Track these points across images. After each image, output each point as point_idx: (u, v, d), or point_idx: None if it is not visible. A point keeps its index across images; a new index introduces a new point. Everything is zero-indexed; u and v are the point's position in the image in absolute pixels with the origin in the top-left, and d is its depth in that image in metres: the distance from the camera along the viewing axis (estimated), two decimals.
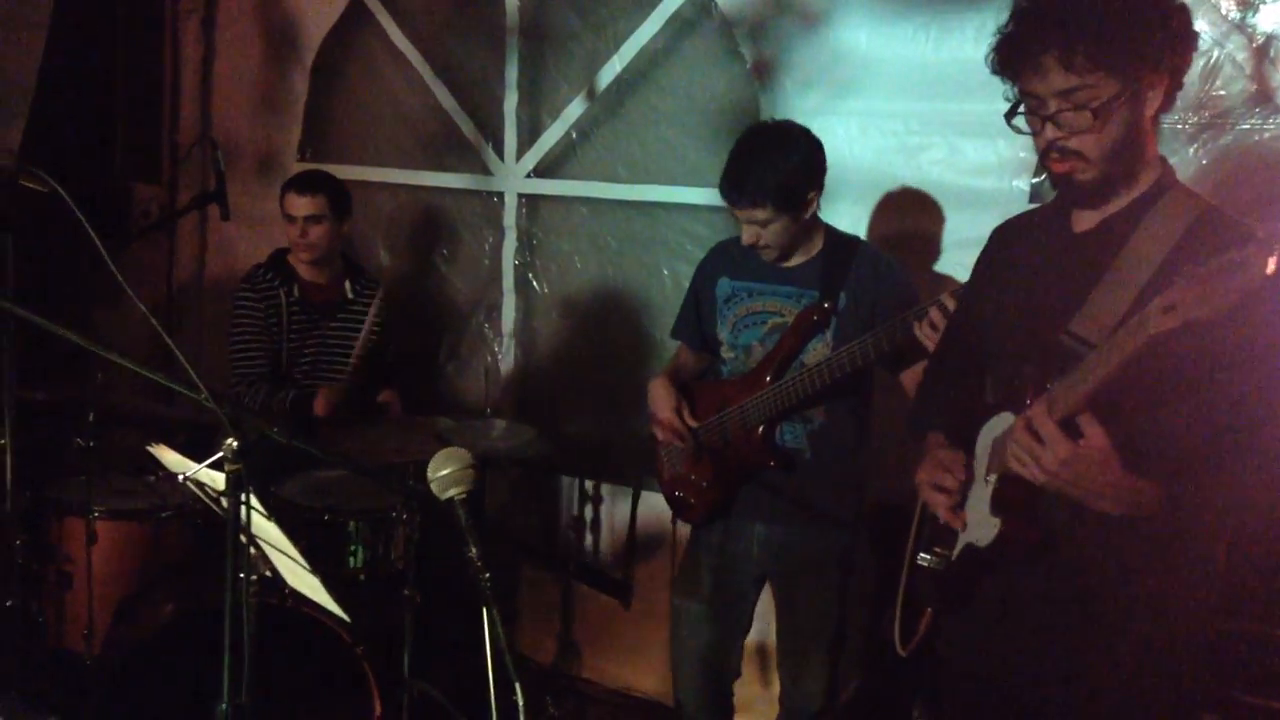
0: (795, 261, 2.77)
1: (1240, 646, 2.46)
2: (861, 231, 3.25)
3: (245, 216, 4.20)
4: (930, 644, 2.04)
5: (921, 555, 2.03)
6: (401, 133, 4.26)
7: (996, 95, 1.89)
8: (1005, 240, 2.11)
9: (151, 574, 3.14)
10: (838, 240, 2.79)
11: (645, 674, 3.85)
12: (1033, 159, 3.04)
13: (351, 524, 3.13)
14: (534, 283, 4.06)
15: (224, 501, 1.78)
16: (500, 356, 4.13)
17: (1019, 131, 1.86)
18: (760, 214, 2.63)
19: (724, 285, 2.87)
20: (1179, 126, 2.80)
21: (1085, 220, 1.89)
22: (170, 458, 2.12)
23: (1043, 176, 3.02)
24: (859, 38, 3.26)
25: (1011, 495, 1.82)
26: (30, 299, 2.08)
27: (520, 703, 1.64)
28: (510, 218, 4.03)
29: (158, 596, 3.07)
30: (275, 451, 3.13)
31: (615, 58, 3.71)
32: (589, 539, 3.99)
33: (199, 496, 2.15)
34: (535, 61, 3.92)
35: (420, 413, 3.77)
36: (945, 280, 3.13)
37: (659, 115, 3.73)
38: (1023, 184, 3.08)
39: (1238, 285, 1.42)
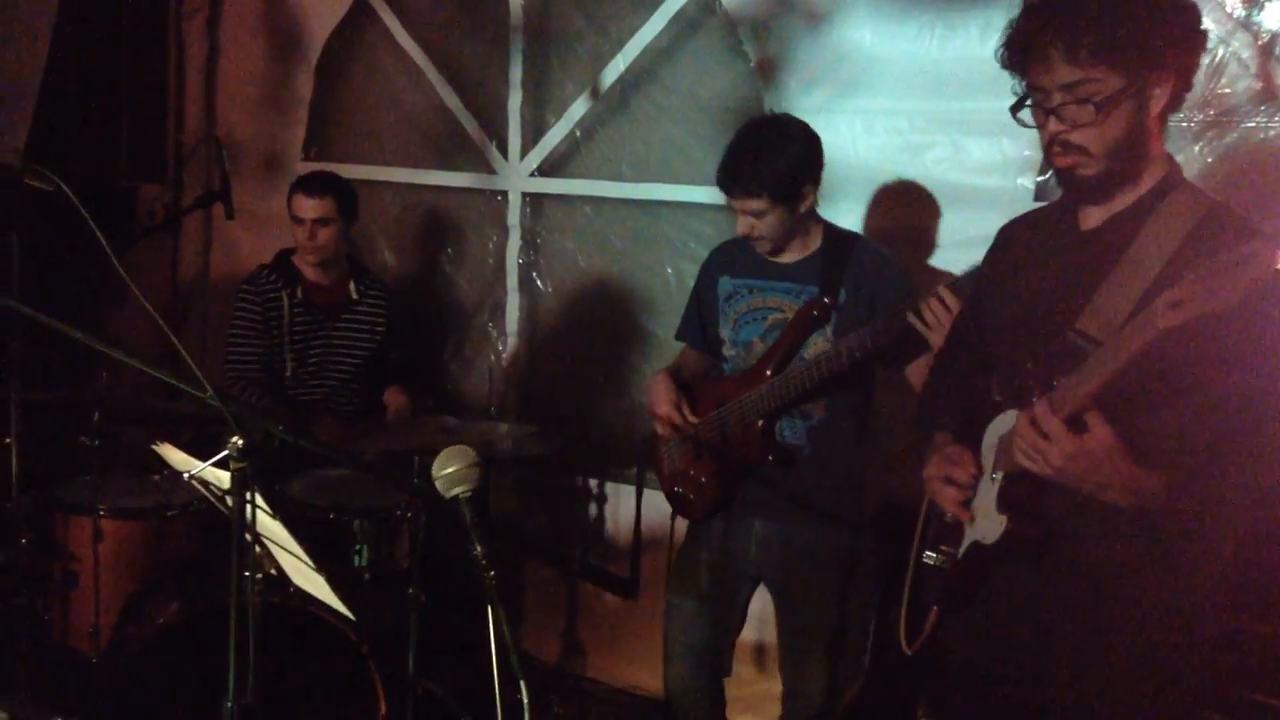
0: (795, 258, 2.78)
1: (1247, 646, 2.46)
2: (866, 230, 3.25)
3: (250, 216, 4.21)
4: (935, 643, 2.04)
5: (927, 554, 2.03)
6: (405, 132, 4.26)
7: (1001, 93, 1.89)
8: (1012, 238, 2.11)
9: (157, 573, 3.14)
10: (837, 236, 2.79)
11: (650, 673, 3.84)
12: (1037, 157, 3.03)
13: (356, 522, 3.14)
14: (538, 281, 4.06)
15: (229, 500, 1.78)
16: (504, 355, 4.13)
17: (1024, 125, 1.86)
18: (755, 204, 2.64)
19: (725, 284, 2.88)
20: (1184, 124, 2.79)
21: (1092, 217, 1.89)
22: (175, 456, 2.13)
23: (1048, 175, 3.02)
24: (863, 36, 3.26)
25: (1018, 493, 1.82)
26: (36, 298, 2.08)
27: (525, 701, 1.64)
28: (514, 216, 4.03)
29: (163, 595, 3.07)
30: (280, 450, 3.15)
31: (619, 56, 3.71)
32: (593, 537, 3.99)
33: (204, 495, 2.15)
34: (539, 60, 3.92)
35: (425, 411, 3.77)
36: (944, 278, 3.12)
37: (663, 114, 3.73)
38: (1027, 182, 3.07)
39: (1245, 280, 1.42)
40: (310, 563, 2.09)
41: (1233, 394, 1.68)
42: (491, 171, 4.05)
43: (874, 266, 2.74)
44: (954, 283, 2.44)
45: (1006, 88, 1.89)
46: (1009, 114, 1.88)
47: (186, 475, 1.98)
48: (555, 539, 4.06)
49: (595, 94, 3.78)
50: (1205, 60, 1.91)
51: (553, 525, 4.07)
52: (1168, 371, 1.66)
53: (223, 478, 1.84)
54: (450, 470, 1.75)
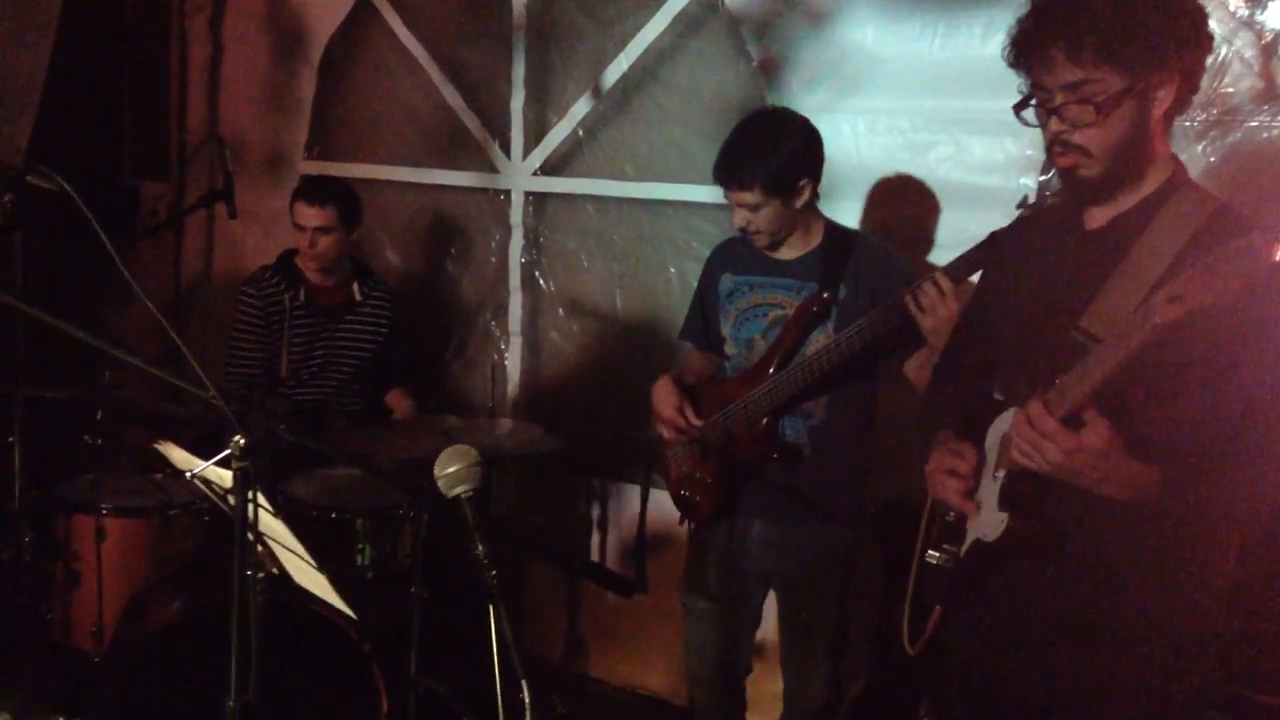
0: (796, 254, 2.77)
1: (1250, 645, 2.45)
2: (867, 229, 3.25)
3: (252, 215, 4.21)
4: (938, 643, 2.04)
5: (930, 553, 2.03)
6: (408, 131, 4.26)
7: (1003, 93, 1.89)
8: (1017, 236, 2.11)
9: (159, 571, 3.14)
10: (837, 233, 2.79)
11: (653, 672, 3.86)
12: (1040, 157, 3.03)
13: (359, 522, 3.14)
14: (540, 281, 4.06)
15: (231, 499, 1.78)
16: (507, 355, 4.13)
17: (1027, 124, 1.86)
18: (749, 197, 2.65)
19: (726, 281, 2.88)
20: (1187, 124, 2.79)
21: (1097, 217, 1.89)
22: (178, 455, 2.13)
23: (1050, 175, 3.02)
24: (866, 35, 3.26)
25: (1019, 490, 1.82)
26: (38, 297, 2.08)
27: (527, 700, 1.64)
28: (517, 216, 4.03)
29: (165, 594, 3.08)
30: (283, 449, 3.15)
31: (622, 56, 3.70)
32: (596, 537, 3.99)
33: (206, 494, 2.15)
34: (542, 60, 3.92)
35: (427, 411, 3.78)
36: None
37: (665, 113, 3.73)
38: (1030, 182, 3.07)
39: (1243, 271, 1.43)
40: (312, 562, 2.09)
41: (1233, 389, 1.68)
42: (494, 170, 4.05)
43: (875, 262, 2.74)
44: (948, 267, 2.45)
45: (1009, 87, 1.89)
46: (1011, 114, 1.88)
47: (189, 474, 1.98)
48: (557, 538, 4.06)
49: (598, 93, 3.78)
50: (1208, 60, 1.91)
51: (555, 524, 4.08)
52: (1167, 367, 1.66)
53: (225, 476, 1.84)
54: (452, 470, 1.75)
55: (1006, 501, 1.83)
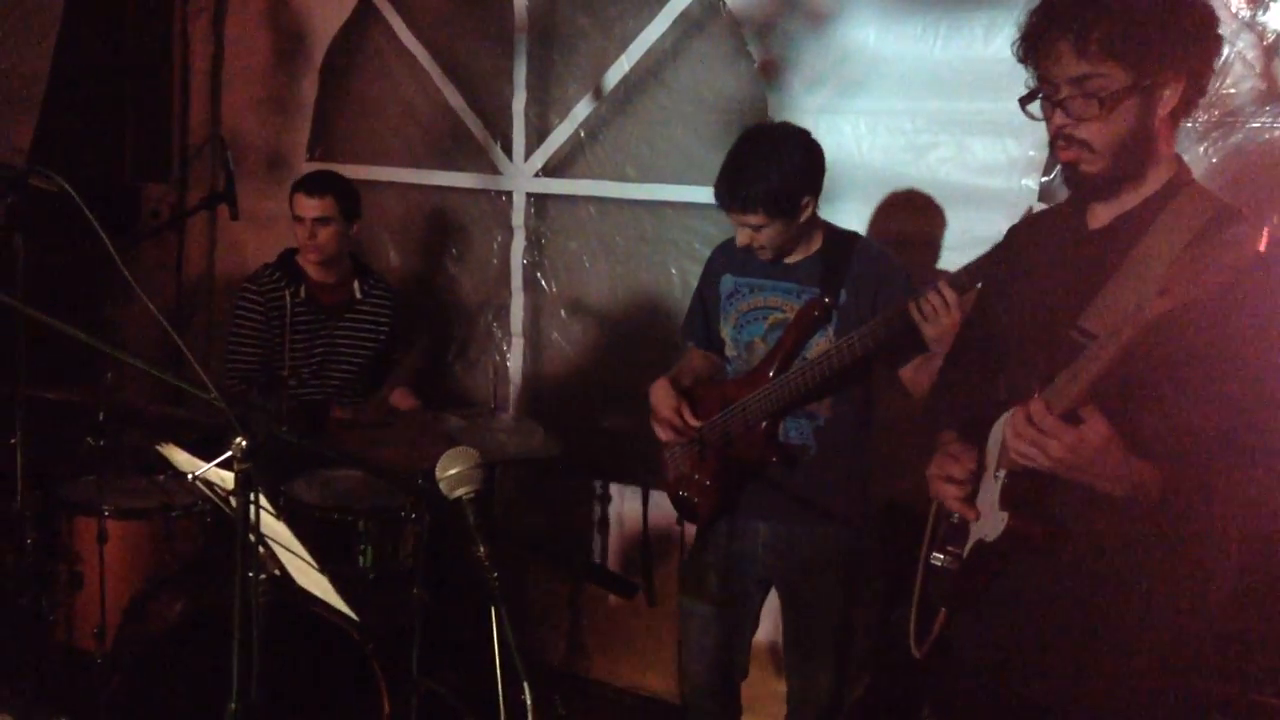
0: (796, 258, 2.77)
1: (1252, 646, 2.45)
2: (870, 231, 3.25)
3: (254, 216, 4.21)
4: (943, 644, 2.04)
5: (934, 555, 2.03)
6: (410, 132, 4.27)
7: (1005, 93, 1.90)
8: (1021, 238, 2.12)
9: (162, 573, 3.15)
10: (837, 236, 2.79)
11: (654, 673, 3.85)
12: (1042, 157, 3.03)
13: (361, 523, 3.14)
14: (542, 282, 4.06)
15: (233, 501, 1.78)
16: (508, 356, 4.13)
17: (1033, 117, 1.86)
18: (753, 219, 2.64)
19: (727, 282, 2.88)
20: (1188, 125, 2.78)
21: (1100, 216, 1.89)
22: (179, 457, 2.13)
23: (1052, 175, 3.02)
24: (867, 36, 3.26)
25: (1019, 490, 1.83)
26: (40, 298, 2.09)
27: (529, 702, 1.64)
28: (519, 217, 4.03)
29: (168, 595, 3.08)
30: (285, 451, 3.15)
31: (623, 57, 3.71)
32: (597, 538, 3.99)
33: (208, 496, 2.15)
34: (544, 61, 3.92)
35: (429, 411, 3.77)
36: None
37: (667, 114, 3.73)
38: (1031, 183, 3.07)
39: (1229, 262, 1.43)
40: (314, 563, 2.09)
41: (1229, 383, 1.68)
42: (496, 172, 4.06)
43: (874, 265, 2.74)
44: (953, 277, 2.44)
45: (1010, 88, 1.89)
46: (1013, 115, 1.88)
47: (191, 476, 1.98)
48: (559, 539, 4.06)
49: (599, 94, 3.78)
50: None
51: (556, 526, 4.07)
52: (1162, 362, 1.66)
53: (227, 478, 1.84)
54: (453, 471, 1.75)
55: (1007, 501, 1.84)
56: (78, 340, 1.79)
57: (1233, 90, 2.78)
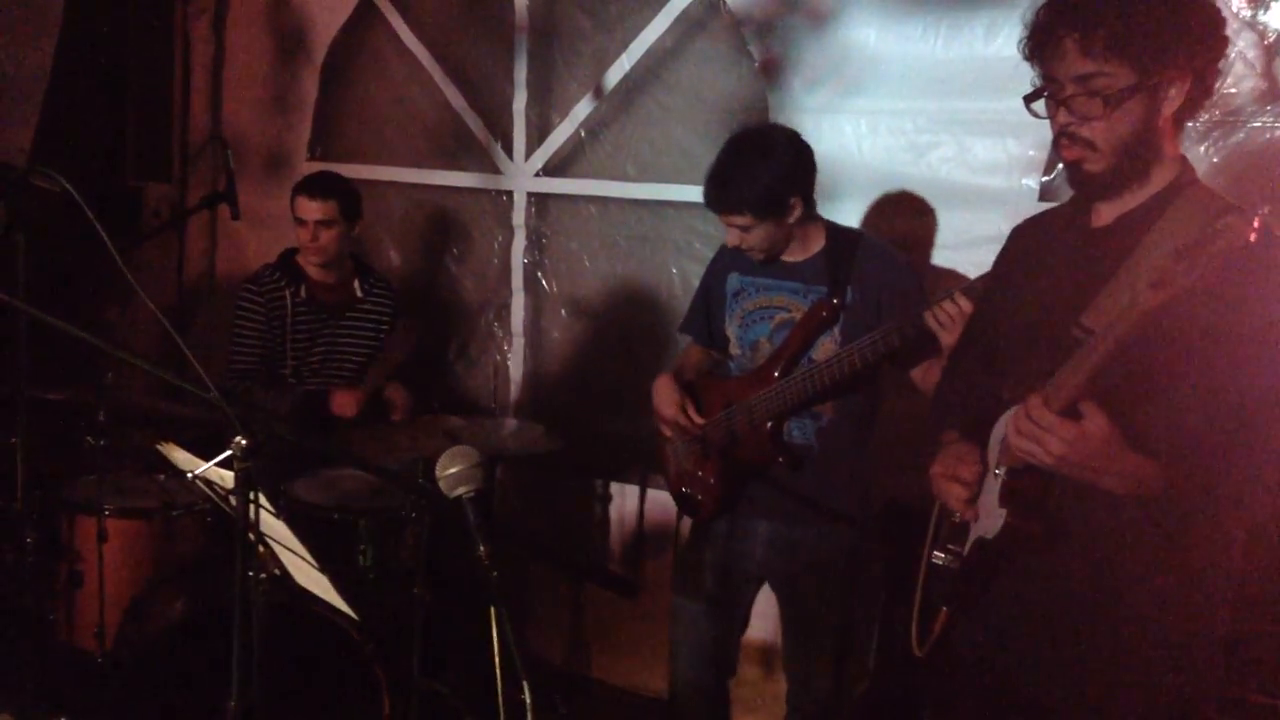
0: (800, 257, 2.77)
1: (1254, 647, 2.45)
2: (870, 230, 3.25)
3: (255, 216, 4.22)
4: (945, 643, 2.04)
5: (936, 554, 2.03)
6: (411, 132, 4.27)
7: (1006, 93, 1.90)
8: (1024, 238, 2.12)
9: (162, 572, 3.15)
10: (839, 234, 2.79)
11: (654, 673, 3.85)
12: (1042, 157, 3.03)
13: (361, 522, 3.14)
14: (543, 281, 4.06)
15: (233, 500, 1.78)
16: (509, 355, 4.13)
17: (1037, 116, 1.86)
18: (740, 220, 2.66)
19: (733, 280, 2.88)
20: (1189, 124, 2.78)
21: (1103, 215, 1.90)
22: (180, 456, 2.13)
23: (1053, 174, 3.02)
24: (868, 36, 3.25)
25: (1019, 487, 1.83)
26: (42, 298, 2.09)
27: (529, 701, 1.64)
28: (519, 216, 4.03)
29: (168, 595, 3.08)
30: (285, 450, 3.16)
31: (624, 56, 3.71)
32: (598, 538, 3.99)
33: (209, 495, 2.15)
34: (544, 60, 3.92)
35: (429, 411, 3.77)
36: (950, 278, 3.12)
37: (667, 114, 3.73)
38: (1032, 182, 3.07)
39: (1220, 250, 1.44)
40: (314, 562, 2.09)
41: (1227, 375, 1.68)
42: (496, 171, 4.06)
43: (880, 263, 2.74)
44: (968, 287, 2.44)
45: (1011, 87, 1.89)
46: (1014, 113, 1.89)
47: (191, 475, 1.98)
48: (560, 539, 4.06)
49: (600, 94, 3.78)
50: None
51: (557, 525, 4.08)
52: (1159, 356, 1.66)
53: (227, 477, 1.84)
54: (453, 470, 1.75)
55: (1007, 498, 1.84)
56: (79, 340, 1.79)
57: (1234, 89, 2.78)
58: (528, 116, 3.96)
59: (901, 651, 2.11)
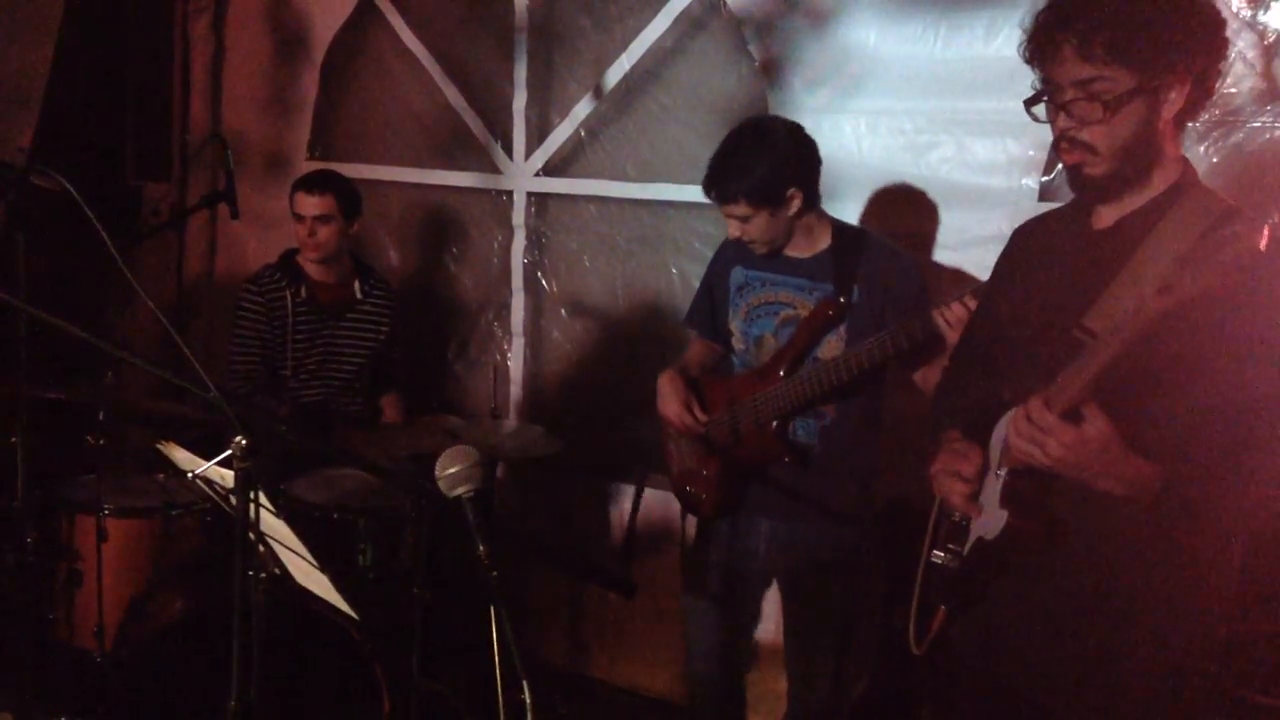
0: (806, 254, 2.77)
1: (1254, 647, 2.45)
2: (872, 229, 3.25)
3: (255, 215, 4.22)
4: (943, 642, 2.04)
5: (935, 553, 2.03)
6: (410, 131, 4.27)
7: (1006, 93, 1.90)
8: (1026, 239, 2.12)
9: (162, 572, 3.15)
10: (845, 232, 2.79)
11: (655, 673, 3.85)
12: (1042, 157, 3.03)
13: (361, 522, 3.14)
14: (543, 281, 4.06)
15: (233, 499, 1.78)
16: (509, 355, 4.13)
17: (1037, 120, 1.86)
18: (737, 210, 2.66)
19: (738, 274, 2.87)
20: (1189, 124, 2.79)
21: (1105, 217, 1.90)
22: (180, 455, 2.13)
23: (1053, 174, 3.02)
24: (868, 36, 3.25)
25: (1020, 488, 1.83)
26: (41, 297, 2.09)
27: (528, 701, 1.64)
28: (519, 216, 4.03)
29: (168, 594, 3.08)
30: (285, 449, 3.16)
31: (624, 56, 3.71)
32: (598, 537, 3.99)
33: (209, 494, 2.15)
34: (544, 60, 3.92)
35: (428, 412, 3.77)
36: (951, 278, 3.12)
37: (667, 114, 3.73)
38: (1032, 182, 3.07)
39: (1229, 258, 1.44)
40: (314, 562, 2.09)
41: (1230, 381, 1.68)
42: (496, 171, 4.06)
43: (886, 262, 2.74)
44: (978, 288, 2.44)
45: (1011, 88, 1.89)
46: (1014, 113, 1.88)
47: (191, 474, 1.98)
48: (559, 539, 4.06)
49: (600, 94, 3.78)
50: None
51: (557, 525, 4.07)
52: (1164, 361, 1.66)
53: (227, 477, 1.84)
54: (453, 470, 1.75)
55: (1007, 499, 1.84)
56: (78, 339, 1.79)
57: (1233, 90, 2.78)
58: (528, 116, 3.96)
59: (901, 650, 2.11)
